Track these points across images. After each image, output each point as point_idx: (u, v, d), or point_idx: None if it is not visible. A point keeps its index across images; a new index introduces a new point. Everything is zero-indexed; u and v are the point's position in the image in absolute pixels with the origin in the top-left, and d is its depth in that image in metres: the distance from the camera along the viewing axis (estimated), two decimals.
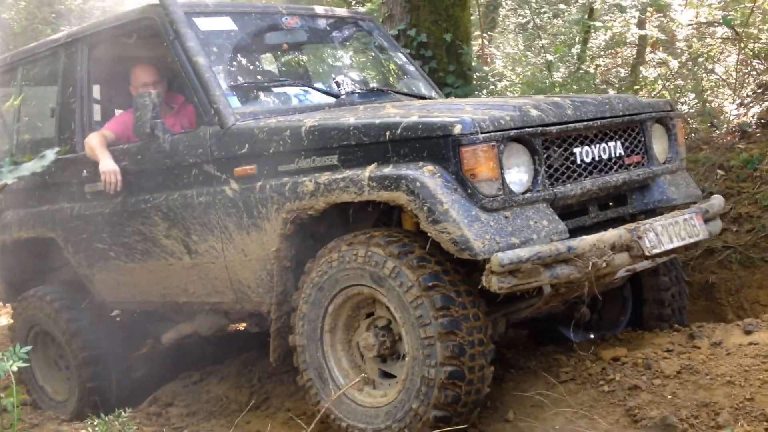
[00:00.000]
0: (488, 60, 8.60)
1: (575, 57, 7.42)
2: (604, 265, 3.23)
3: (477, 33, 7.97)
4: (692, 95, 6.62)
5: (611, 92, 6.80)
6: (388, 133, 3.31)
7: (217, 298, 4.13)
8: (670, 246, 3.53)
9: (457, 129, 3.17)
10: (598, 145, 3.65)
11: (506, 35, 9.84)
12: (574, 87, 6.90)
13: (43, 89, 5.15)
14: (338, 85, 4.62)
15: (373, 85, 4.96)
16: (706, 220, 3.82)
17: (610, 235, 3.32)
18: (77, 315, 4.73)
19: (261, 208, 3.68)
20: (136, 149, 4.26)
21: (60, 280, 4.98)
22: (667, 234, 3.54)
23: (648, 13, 8.47)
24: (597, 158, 3.64)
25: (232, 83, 4.10)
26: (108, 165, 4.22)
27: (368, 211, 3.55)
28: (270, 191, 3.65)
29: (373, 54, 5.21)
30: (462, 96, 6.48)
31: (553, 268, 3.14)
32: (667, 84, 7.15)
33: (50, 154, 2.50)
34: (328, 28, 5.04)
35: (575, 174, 3.54)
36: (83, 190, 4.55)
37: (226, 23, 4.34)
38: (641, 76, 7.87)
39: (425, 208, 3.13)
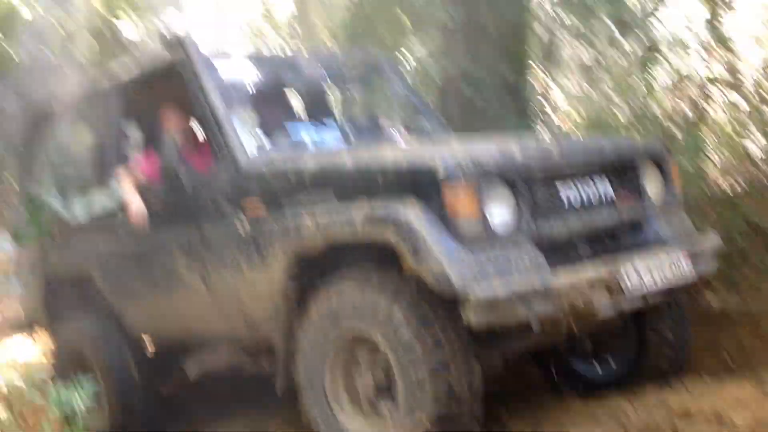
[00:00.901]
0: (547, 97, 8.56)
1: (639, 96, 7.34)
2: (581, 303, 3.32)
3: (536, 69, 7.95)
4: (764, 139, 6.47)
5: (677, 133, 6.73)
6: (379, 174, 3.51)
7: (233, 333, 4.32)
8: (652, 285, 3.58)
9: (441, 170, 3.33)
10: (585, 186, 3.77)
11: (567, 72, 9.79)
12: (638, 126, 6.81)
13: (84, 131, 5.45)
14: (350, 124, 4.86)
15: (384, 124, 5.15)
16: (696, 261, 3.85)
17: (589, 274, 3.40)
18: (108, 344, 4.93)
19: (268, 246, 3.86)
20: (162, 188, 4.51)
21: (97, 308, 5.13)
22: (650, 274, 3.59)
23: (713, 50, 8.34)
24: (584, 198, 3.75)
25: (247, 126, 4.39)
26: (136, 204, 4.49)
27: (370, 248, 3.60)
28: (275, 229, 3.82)
29: (388, 93, 5.37)
30: (522, 132, 6.46)
31: (530, 304, 3.21)
32: (737, 126, 6.99)
33: (117, 195, 2.57)
34: (345, 69, 5.26)
35: (560, 213, 3.64)
36: (115, 228, 4.77)
37: (246, 69, 4.66)
38: (709, 118, 7.72)
39: (410, 247, 3.27)
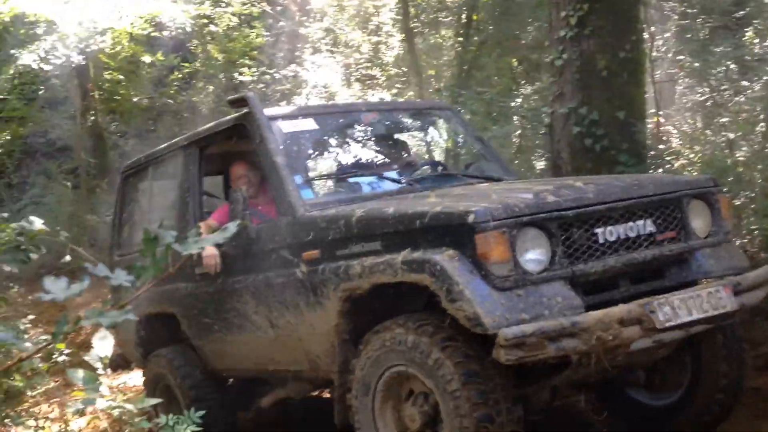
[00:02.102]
0: (663, 138, 8.33)
1: (759, 135, 7.06)
2: (610, 338, 3.43)
3: (652, 111, 7.74)
4: None
5: None
6: (418, 221, 3.73)
7: (296, 367, 4.64)
8: (688, 319, 3.65)
9: (471, 217, 3.53)
10: (624, 224, 3.89)
11: (683, 113, 9.54)
12: (758, 166, 6.54)
13: (168, 183, 5.82)
14: (408, 171, 5.10)
15: (444, 169, 5.42)
16: (739, 292, 3.89)
17: (619, 309, 3.50)
18: (191, 373, 5.25)
19: (323, 288, 4.14)
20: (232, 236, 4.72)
21: (181, 343, 5.48)
22: (685, 307, 3.67)
23: None
24: (623, 236, 3.87)
25: (306, 177, 4.69)
26: (209, 250, 4.80)
27: (418, 290, 3.76)
28: (329, 273, 4.10)
29: (449, 140, 5.68)
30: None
31: (559, 342, 3.37)
32: None
33: (232, 227, 2.67)
34: (406, 118, 5.64)
35: (597, 252, 3.77)
36: (194, 272, 5.09)
37: (307, 124, 4.97)
38: None
39: (444, 288, 3.48)
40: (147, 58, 12.98)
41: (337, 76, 14.54)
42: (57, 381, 6.24)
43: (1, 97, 12.08)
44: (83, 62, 11.43)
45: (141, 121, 14.64)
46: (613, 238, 3.84)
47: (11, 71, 11.30)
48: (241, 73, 14.16)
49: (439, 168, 5.42)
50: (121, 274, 2.05)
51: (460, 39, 11.97)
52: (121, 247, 6.14)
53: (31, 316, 6.95)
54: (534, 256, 3.61)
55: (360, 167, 5.12)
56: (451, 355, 3.55)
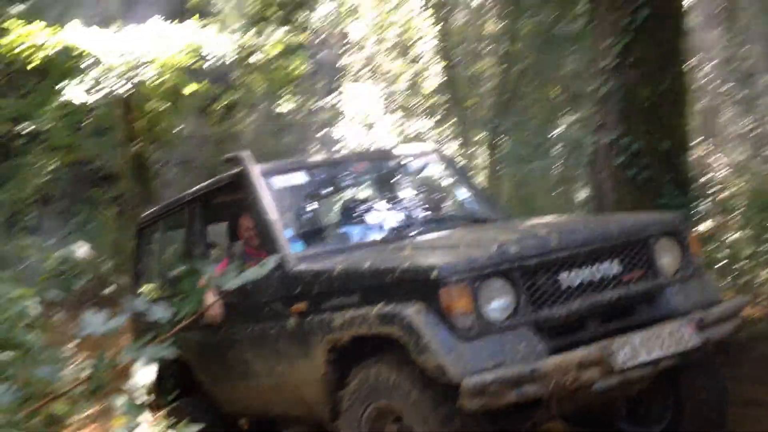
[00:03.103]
0: (708, 169, 8.21)
1: None
2: (569, 382, 3.62)
3: (696, 140, 7.65)
4: None
5: None
6: (389, 276, 3.93)
7: (297, 412, 4.85)
8: (649, 358, 3.82)
9: (434, 273, 3.71)
10: (588, 268, 4.03)
11: (727, 143, 9.41)
12: None
13: (177, 235, 6.13)
14: (396, 218, 5.27)
15: (438, 215, 5.57)
16: (703, 327, 4.04)
17: (578, 354, 3.68)
18: (204, 419, 5.19)
19: (311, 339, 4.36)
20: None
21: (196, 389, 5.66)
22: (646, 347, 3.84)
23: None
24: (587, 280, 4.01)
25: (296, 231, 4.92)
26: (210, 302, 4.97)
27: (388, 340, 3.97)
28: (315, 325, 4.32)
29: (439, 185, 5.86)
30: (679, 206, 6.18)
31: (520, 387, 3.55)
32: None
33: (270, 262, 2.71)
34: (396, 165, 5.83)
35: (562, 297, 3.92)
36: (200, 322, 5.14)
37: (298, 178, 5.23)
38: None
39: (413, 341, 3.69)
40: (189, 88, 13.17)
41: (377, 106, 14.61)
42: (100, 406, 6.28)
43: (48, 126, 12.31)
44: (127, 93, 11.63)
45: (184, 150, 14.83)
46: (577, 283, 3.99)
47: (58, 101, 11.53)
48: (281, 103, 14.31)
49: (426, 212, 5.57)
50: (158, 309, 2.06)
51: (501, 67, 11.97)
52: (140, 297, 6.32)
53: (74, 342, 7.02)
54: (498, 305, 3.78)
55: (349, 217, 5.31)
56: (427, 399, 3.77)
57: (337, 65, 15.00)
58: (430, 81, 14.83)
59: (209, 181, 5.71)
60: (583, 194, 9.21)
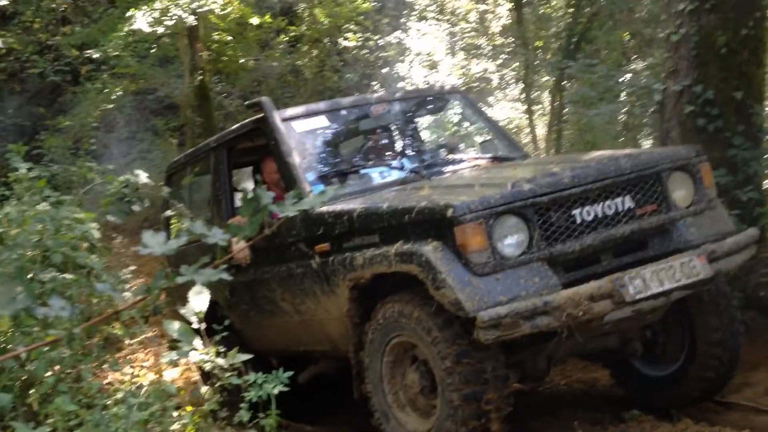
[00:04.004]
0: None
1: None
2: (581, 314, 3.75)
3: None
4: None
5: None
6: (407, 216, 4.08)
7: (321, 347, 5.10)
8: (660, 289, 3.94)
9: (450, 212, 3.86)
10: (601, 203, 4.14)
11: None
12: None
13: (204, 180, 6.27)
14: (416, 158, 5.42)
15: (452, 154, 5.66)
16: (714, 259, 4.14)
17: (590, 286, 3.83)
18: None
19: (334, 277, 4.54)
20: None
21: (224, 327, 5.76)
22: (657, 278, 3.95)
23: None
24: (601, 215, 4.13)
25: (318, 173, 5.03)
26: (240, 244, 4.97)
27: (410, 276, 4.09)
28: (338, 264, 4.50)
29: (459, 123, 5.95)
30: (750, 159, 5.97)
31: (533, 320, 3.72)
32: None
33: (330, 191, 2.75)
34: (416, 107, 5.96)
35: (576, 232, 4.06)
36: (230, 264, 5.25)
37: (319, 122, 5.34)
38: None
39: (430, 277, 3.85)
40: (255, 20, 13.11)
41: (441, 45, 14.38)
42: (154, 331, 6.44)
43: (115, 53, 12.43)
44: (194, 23, 11.64)
45: (246, 83, 14.86)
46: (590, 218, 4.12)
47: (125, 29, 11.60)
48: (345, 38, 14.18)
49: (446, 152, 5.68)
50: (217, 232, 2.06)
51: (571, 10, 11.63)
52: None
53: (132, 267, 7.18)
54: (512, 241, 3.94)
55: (369, 159, 5.39)
56: (447, 334, 3.92)
57: (403, 1, 14.76)
58: (497, 21, 14.52)
59: (233, 126, 5.88)
60: (648, 143, 8.98)
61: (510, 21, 13.53)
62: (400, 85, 13.95)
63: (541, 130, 12.24)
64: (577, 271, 4.08)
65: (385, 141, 5.71)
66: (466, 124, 6.14)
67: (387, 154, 5.54)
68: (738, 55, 6.04)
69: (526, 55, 11.91)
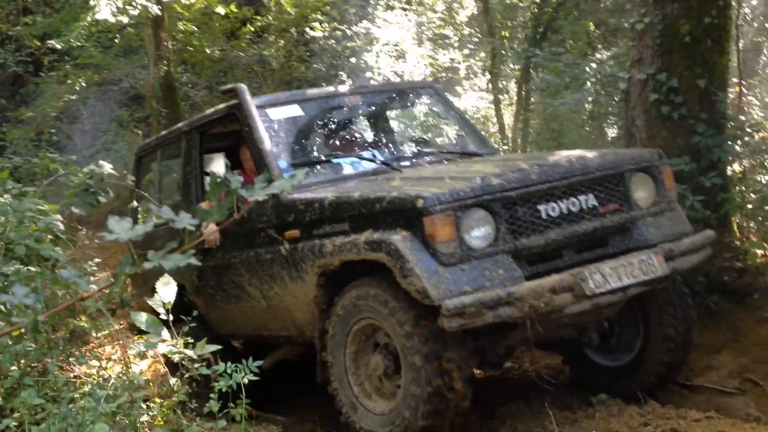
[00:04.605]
0: (745, 109, 8.01)
1: None
2: (542, 305, 3.91)
3: (734, 80, 7.44)
4: None
5: None
6: (377, 205, 4.17)
7: (286, 333, 5.13)
8: (618, 285, 4.14)
9: (420, 203, 3.97)
10: (566, 200, 4.29)
11: (766, 84, 9.17)
12: None
13: (174, 164, 6.27)
14: (387, 151, 5.52)
15: (423, 147, 5.79)
16: (671, 258, 4.36)
17: (551, 279, 4.00)
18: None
19: (303, 264, 4.61)
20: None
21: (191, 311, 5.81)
22: (616, 274, 4.15)
23: None
24: (565, 211, 4.28)
25: (290, 161, 5.08)
26: (211, 227, 5.12)
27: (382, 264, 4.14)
28: (307, 251, 4.56)
29: (430, 118, 6.11)
30: (713, 146, 6.05)
31: (496, 309, 3.85)
32: None
33: (299, 174, 2.76)
34: (389, 99, 6.06)
35: (540, 227, 4.20)
36: (198, 248, 5.24)
37: (294, 110, 5.37)
38: None
39: (398, 266, 3.95)
40: (220, 10, 13.00)
41: (408, 35, 14.37)
42: (121, 324, 6.38)
43: (78, 44, 12.24)
44: (159, 12, 11.51)
45: (212, 73, 14.73)
46: (555, 214, 4.25)
47: (88, 19, 11.44)
48: (312, 28, 14.11)
49: (417, 146, 5.81)
50: (185, 216, 2.04)
51: (537, 0, 11.67)
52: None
53: (97, 259, 7.10)
54: (479, 233, 4.05)
55: (342, 149, 5.43)
56: (411, 317, 4.02)
57: None
58: (464, 11, 14.54)
59: (206, 111, 5.90)
60: (614, 131, 9.05)
61: (477, 11, 13.56)
62: (368, 75, 13.92)
63: (508, 120, 12.29)
64: (539, 265, 4.21)
65: (358, 132, 5.80)
66: (437, 118, 6.20)
67: (360, 145, 5.61)
68: (701, 43, 6.11)
69: (492, 44, 11.94)
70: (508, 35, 12.85)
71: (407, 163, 5.30)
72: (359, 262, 4.27)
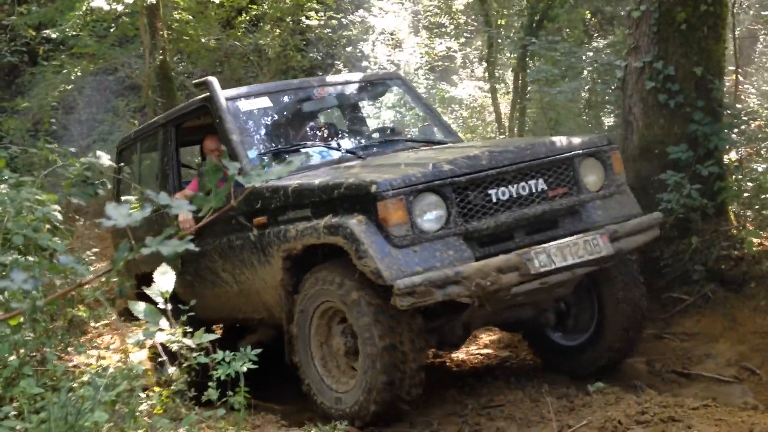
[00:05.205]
0: (741, 97, 8.01)
1: None
2: (489, 284, 4.11)
3: (730, 68, 7.44)
4: None
5: None
6: (336, 191, 4.40)
7: (258, 315, 5.32)
8: (563, 264, 4.33)
9: (374, 188, 4.20)
10: (516, 185, 4.50)
11: (763, 72, 9.16)
12: None
13: (152, 156, 6.49)
14: (354, 140, 5.72)
15: (390, 134, 5.96)
16: (616, 239, 4.54)
17: (498, 259, 4.22)
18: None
19: (270, 249, 4.83)
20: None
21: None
22: (561, 254, 4.34)
23: None
24: (515, 195, 4.50)
25: (259, 151, 5.30)
26: (184, 215, 5.27)
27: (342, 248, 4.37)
28: (273, 236, 4.79)
29: (396, 107, 6.35)
30: (710, 134, 6.05)
31: (445, 288, 4.07)
32: None
33: (296, 161, 2.78)
34: (356, 91, 6.27)
35: (491, 210, 4.42)
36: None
37: (263, 102, 5.58)
38: None
39: (353, 248, 4.19)
40: None
41: (404, 23, 14.34)
42: (119, 313, 6.38)
43: (73, 33, 12.19)
44: (153, 1, 11.46)
45: (208, 63, 14.68)
46: (505, 198, 4.47)
47: (84, 8, 11.38)
48: (308, 17, 14.06)
49: (382, 135, 5.92)
50: (182, 203, 2.05)
51: None
52: None
53: (95, 249, 7.10)
54: (430, 217, 4.28)
55: (310, 139, 5.69)
56: (366, 298, 4.26)
57: None
58: (459, 0, 14.51)
59: (181, 104, 6.09)
60: (611, 120, 9.06)
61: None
62: (364, 64, 13.90)
63: (505, 109, 12.28)
64: (491, 247, 4.43)
65: (325, 123, 6.02)
66: (404, 107, 6.36)
67: (327, 135, 5.83)
68: (698, 31, 6.12)
69: (489, 33, 11.92)
70: (504, 24, 12.82)
71: (372, 151, 5.50)
72: (321, 246, 4.49)
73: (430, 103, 6.60)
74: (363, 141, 5.81)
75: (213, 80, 5.45)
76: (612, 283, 4.98)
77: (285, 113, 5.83)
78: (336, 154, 5.41)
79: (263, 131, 5.61)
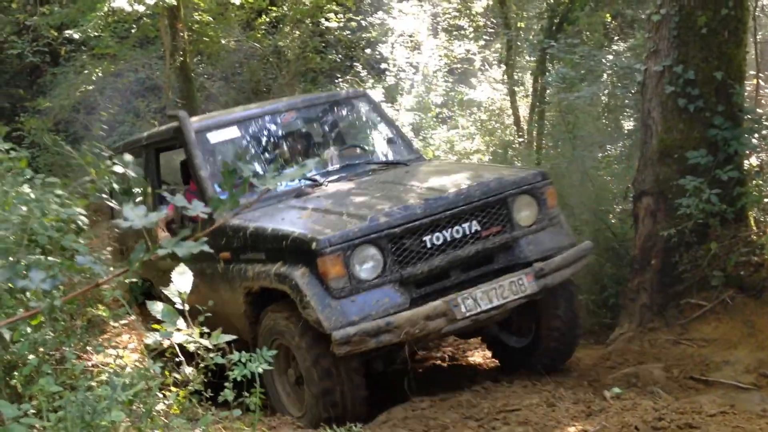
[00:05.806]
0: (762, 102, 7.95)
1: None
2: (417, 331, 4.49)
3: (751, 72, 7.38)
4: None
5: None
6: (284, 242, 4.73)
7: (235, 334, 5.49)
8: (489, 306, 4.68)
9: (314, 245, 4.54)
10: (450, 229, 4.80)
11: None
12: None
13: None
14: (317, 166, 5.86)
15: (352, 159, 6.10)
16: (542, 276, 4.84)
17: (427, 307, 4.56)
18: None
19: (233, 283, 5.17)
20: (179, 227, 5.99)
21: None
22: (487, 297, 4.68)
23: None
24: (449, 239, 4.79)
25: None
26: (164, 234, 5.70)
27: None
28: (236, 272, 5.13)
29: (362, 127, 6.45)
30: (730, 139, 6.01)
31: (378, 336, 4.45)
32: None
33: (310, 163, 2.84)
34: (323, 112, 6.48)
35: (426, 255, 4.73)
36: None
37: (231, 132, 5.84)
38: None
39: (298, 298, 4.57)
40: (236, 0, 13.01)
41: (423, 26, 14.34)
42: (138, 313, 6.43)
43: (95, 34, 12.28)
44: (174, 2, 11.53)
45: (227, 64, 14.75)
46: (440, 242, 4.76)
47: (105, 9, 11.46)
48: (327, 19, 14.10)
49: (346, 157, 6.09)
50: (198, 204, 2.08)
51: None
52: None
53: (110, 248, 7.15)
54: (367, 266, 4.60)
55: (276, 166, 5.83)
56: (309, 341, 4.64)
57: None
58: (479, 1, 14.49)
59: (156, 130, 6.51)
60: (630, 124, 9.01)
61: (492, 1, 13.51)
62: (383, 66, 13.91)
63: (523, 112, 12.26)
64: (428, 286, 4.77)
65: (292, 147, 6.17)
66: (368, 126, 6.50)
67: (292, 159, 6.03)
68: (718, 35, 6.07)
69: (508, 35, 11.89)
70: (523, 26, 12.80)
71: (335, 177, 5.71)
72: (273, 288, 4.82)
73: (393, 121, 6.86)
74: (322, 167, 5.93)
75: (183, 114, 5.66)
76: (549, 300, 5.26)
77: (253, 141, 6.05)
78: (297, 182, 5.57)
79: (230, 161, 5.79)
